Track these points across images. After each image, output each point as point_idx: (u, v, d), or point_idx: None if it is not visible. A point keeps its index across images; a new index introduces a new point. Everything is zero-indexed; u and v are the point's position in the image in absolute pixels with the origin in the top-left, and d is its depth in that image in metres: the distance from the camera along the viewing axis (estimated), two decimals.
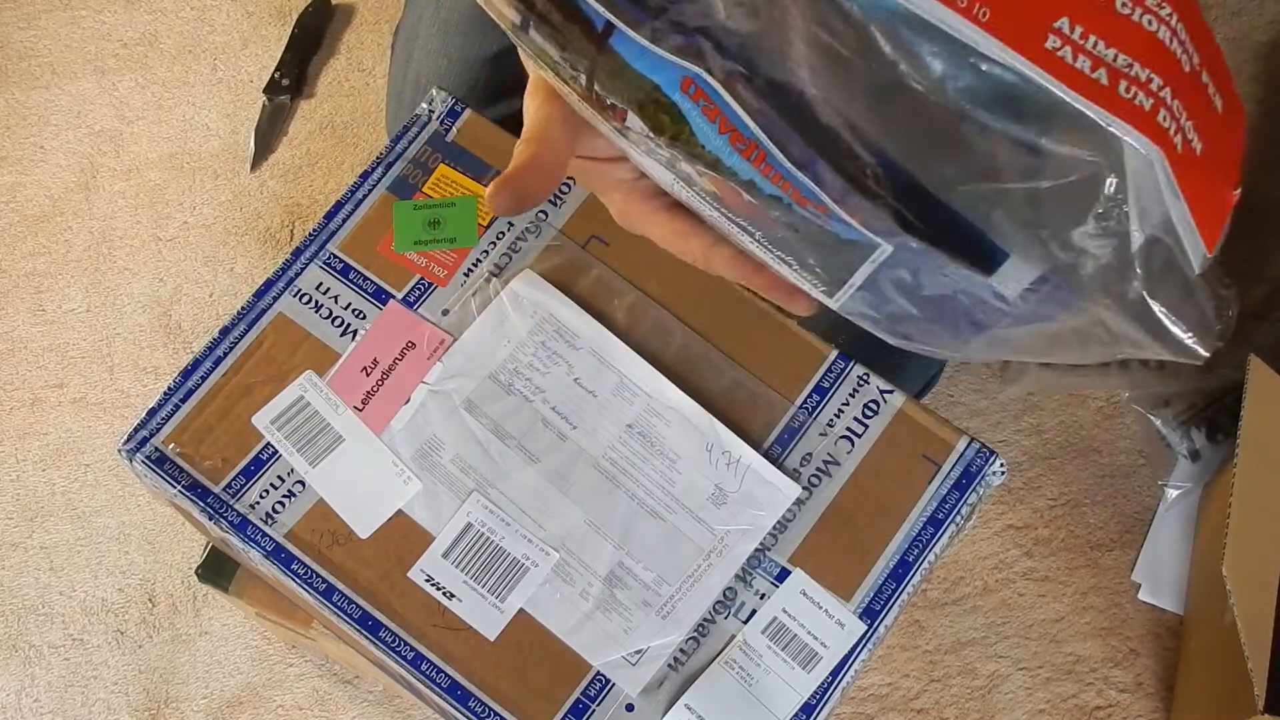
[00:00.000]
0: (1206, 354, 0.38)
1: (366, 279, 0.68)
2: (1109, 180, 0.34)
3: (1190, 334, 0.37)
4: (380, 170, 0.70)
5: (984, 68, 0.34)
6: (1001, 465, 0.66)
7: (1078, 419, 1.06)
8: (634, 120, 0.38)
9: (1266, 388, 0.90)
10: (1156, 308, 0.36)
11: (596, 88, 0.38)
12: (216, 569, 0.77)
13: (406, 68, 0.84)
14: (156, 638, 1.01)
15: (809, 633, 0.62)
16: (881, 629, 0.63)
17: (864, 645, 0.63)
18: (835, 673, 0.62)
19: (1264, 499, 0.88)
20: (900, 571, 0.64)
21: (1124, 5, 0.34)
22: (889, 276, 0.39)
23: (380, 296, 0.68)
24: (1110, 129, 0.33)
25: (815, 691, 0.62)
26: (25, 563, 1.04)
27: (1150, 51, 0.34)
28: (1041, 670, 0.98)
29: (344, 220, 0.69)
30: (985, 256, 0.37)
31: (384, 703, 0.96)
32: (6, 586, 1.03)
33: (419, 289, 0.68)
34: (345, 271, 0.68)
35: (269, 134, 1.20)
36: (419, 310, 0.67)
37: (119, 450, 0.65)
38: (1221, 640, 0.85)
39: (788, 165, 0.37)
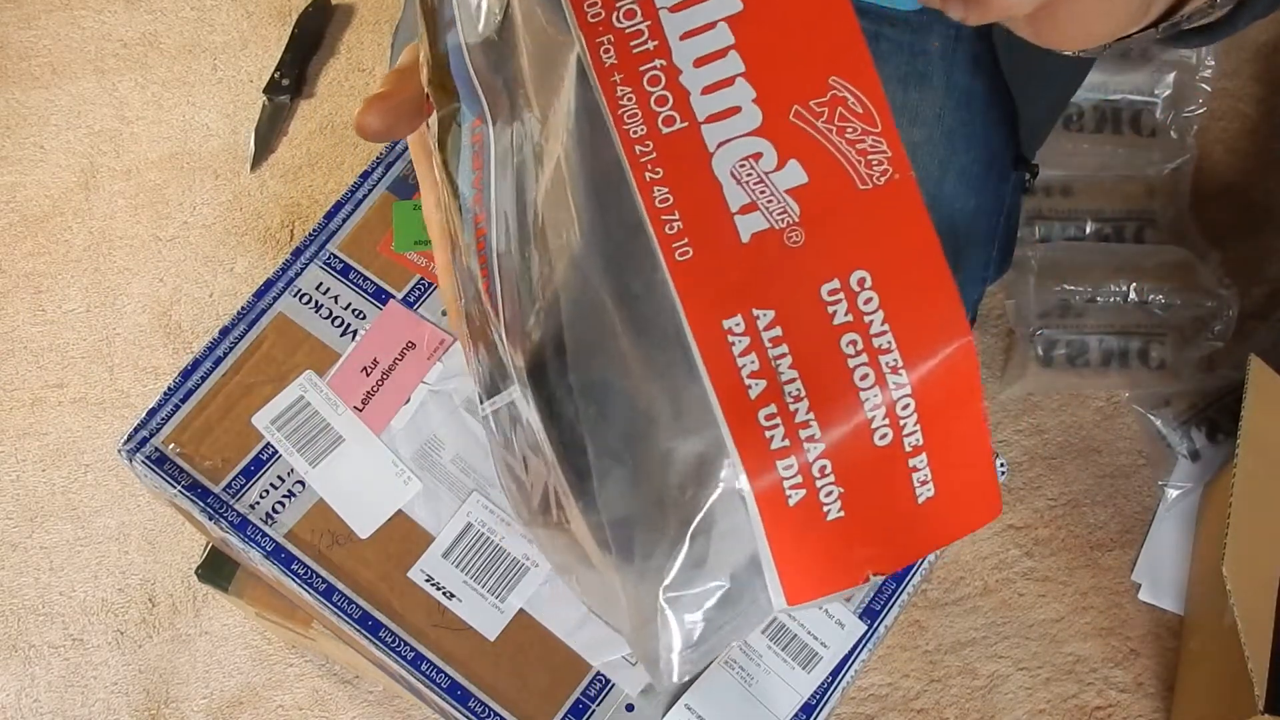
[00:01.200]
0: (663, 684, 0.33)
1: (366, 279, 0.68)
2: (717, 484, 0.30)
3: (665, 663, 0.33)
4: (380, 170, 0.70)
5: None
6: (1002, 465, 0.66)
7: (1078, 419, 1.06)
8: (433, 121, 0.38)
9: (1266, 388, 0.89)
10: (673, 618, 0.32)
11: (425, 72, 0.38)
12: (216, 569, 0.77)
13: None
14: (156, 638, 1.00)
15: (809, 633, 0.62)
16: (881, 629, 0.63)
17: (864, 645, 0.63)
18: (835, 673, 0.62)
19: (1264, 499, 0.87)
20: (900, 571, 0.64)
21: (850, 343, 0.29)
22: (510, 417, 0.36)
23: (380, 296, 0.68)
24: (721, 442, 0.29)
25: (815, 691, 0.62)
26: (25, 563, 1.04)
27: (831, 403, 0.29)
28: (1041, 670, 0.98)
29: (344, 220, 0.69)
30: (583, 476, 0.33)
31: (384, 703, 0.96)
32: (6, 586, 1.03)
33: (419, 289, 0.68)
34: (345, 271, 0.68)
35: (269, 134, 1.20)
36: (419, 310, 0.67)
37: (119, 450, 0.65)
38: (1221, 640, 0.85)
39: (493, 254, 0.35)
